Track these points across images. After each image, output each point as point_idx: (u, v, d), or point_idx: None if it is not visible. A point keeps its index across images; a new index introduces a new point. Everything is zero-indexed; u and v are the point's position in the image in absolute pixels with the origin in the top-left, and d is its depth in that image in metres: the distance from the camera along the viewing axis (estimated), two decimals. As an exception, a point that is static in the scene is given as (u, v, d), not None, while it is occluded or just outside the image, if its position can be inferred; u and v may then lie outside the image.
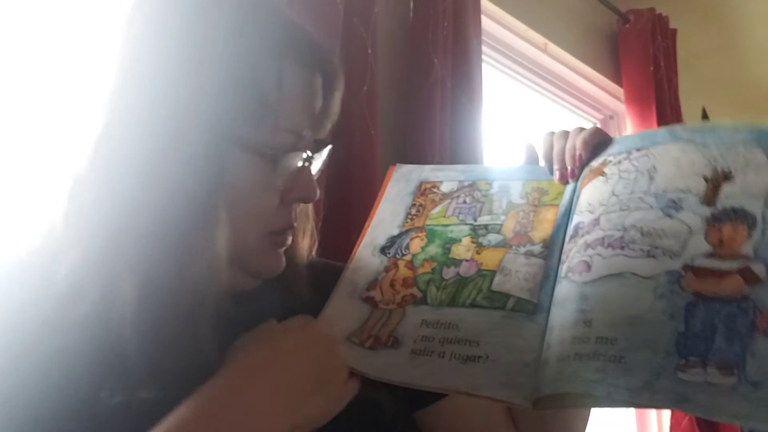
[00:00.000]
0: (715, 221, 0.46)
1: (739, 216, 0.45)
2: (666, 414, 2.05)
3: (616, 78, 2.24)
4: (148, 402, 0.43)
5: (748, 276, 0.42)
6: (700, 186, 0.49)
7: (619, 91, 2.22)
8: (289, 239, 0.55)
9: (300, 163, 0.53)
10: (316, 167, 0.56)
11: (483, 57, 1.52)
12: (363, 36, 1.17)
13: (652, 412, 2.13)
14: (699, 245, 0.45)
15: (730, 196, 0.47)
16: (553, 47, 1.96)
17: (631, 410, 2.12)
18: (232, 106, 0.46)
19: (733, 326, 0.40)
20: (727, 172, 0.48)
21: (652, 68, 2.14)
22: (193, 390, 0.43)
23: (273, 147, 0.49)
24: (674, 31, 2.33)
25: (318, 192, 0.55)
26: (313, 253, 0.65)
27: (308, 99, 0.52)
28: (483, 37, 1.55)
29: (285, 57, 0.50)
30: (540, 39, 1.91)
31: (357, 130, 1.12)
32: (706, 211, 0.47)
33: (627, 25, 2.25)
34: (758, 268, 0.42)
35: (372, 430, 0.51)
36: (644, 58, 2.16)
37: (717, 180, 0.48)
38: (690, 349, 0.41)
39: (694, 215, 0.47)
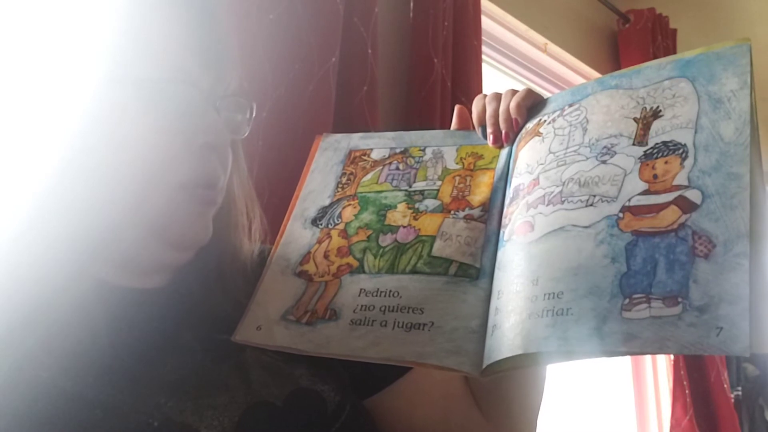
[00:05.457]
0: (647, 158, 0.46)
1: (671, 149, 0.45)
2: (666, 414, 2.05)
3: (617, 78, 2.24)
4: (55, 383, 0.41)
5: (683, 204, 0.42)
6: (631, 128, 0.48)
7: (619, 91, 2.23)
8: (217, 198, 0.50)
9: (201, 106, 0.48)
10: (235, 124, 0.52)
11: (483, 57, 1.52)
12: (363, 36, 1.16)
13: (652, 412, 2.13)
14: (634, 185, 0.45)
15: (660, 131, 0.46)
16: (553, 47, 1.96)
17: (632, 410, 2.12)
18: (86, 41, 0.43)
19: (673, 256, 0.40)
20: (655, 110, 0.48)
21: (652, 68, 2.14)
22: (95, 374, 0.42)
23: (150, 79, 0.45)
24: (674, 31, 2.33)
25: (224, 137, 0.50)
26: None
27: (181, 34, 0.48)
28: (483, 37, 1.55)
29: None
30: (540, 39, 1.91)
31: (357, 130, 1.12)
32: (639, 151, 0.47)
33: (627, 25, 2.25)
34: (693, 194, 0.42)
35: (314, 422, 0.49)
36: (644, 58, 2.16)
37: (647, 119, 0.48)
38: (633, 288, 0.40)
39: (627, 157, 0.47)
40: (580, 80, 2.14)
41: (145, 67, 0.45)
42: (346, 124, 1.11)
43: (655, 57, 2.17)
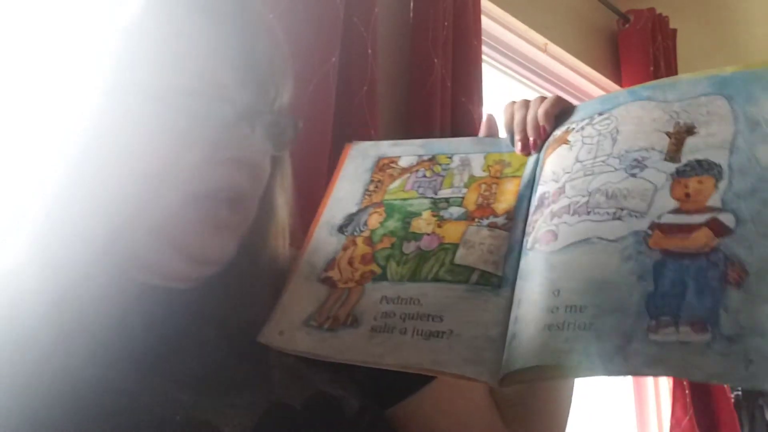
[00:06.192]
0: (679, 176, 0.44)
1: (705, 168, 0.43)
2: (666, 414, 2.05)
3: (617, 78, 2.24)
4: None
5: (716, 227, 0.40)
6: (663, 142, 0.47)
7: (620, 91, 2.23)
8: (237, 214, 0.50)
9: (231, 121, 0.48)
10: (278, 141, 0.52)
11: (483, 57, 1.52)
12: (363, 36, 1.16)
13: (652, 412, 2.13)
14: (665, 202, 0.43)
15: (694, 149, 0.45)
16: (553, 47, 1.96)
17: (632, 411, 2.12)
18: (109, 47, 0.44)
19: (704, 281, 0.38)
20: (690, 126, 0.46)
21: (652, 68, 2.14)
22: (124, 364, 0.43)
23: (174, 88, 0.45)
24: (674, 31, 2.33)
25: (256, 153, 0.49)
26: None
27: (219, 49, 0.47)
28: (483, 37, 1.55)
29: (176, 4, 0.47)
30: (540, 39, 1.91)
31: (357, 130, 1.12)
32: (671, 167, 0.45)
33: (627, 25, 2.25)
34: (727, 218, 0.40)
35: (332, 427, 0.49)
36: (644, 58, 2.16)
37: (680, 134, 0.46)
38: (661, 309, 0.39)
39: (658, 172, 0.45)
40: (580, 80, 2.14)
41: (173, 76, 0.45)
42: (346, 124, 1.11)
43: (655, 57, 2.17)
